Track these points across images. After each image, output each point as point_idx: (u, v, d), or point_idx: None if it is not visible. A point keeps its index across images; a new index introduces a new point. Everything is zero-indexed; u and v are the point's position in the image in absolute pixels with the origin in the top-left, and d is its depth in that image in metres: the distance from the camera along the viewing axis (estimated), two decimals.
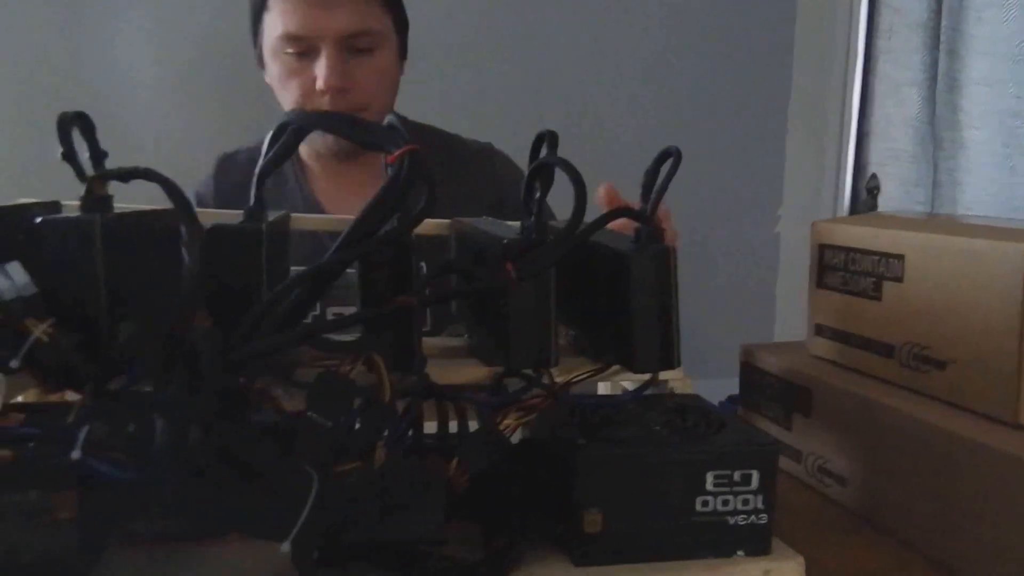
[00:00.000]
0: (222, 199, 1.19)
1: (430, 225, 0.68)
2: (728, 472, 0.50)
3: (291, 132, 0.49)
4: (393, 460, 0.49)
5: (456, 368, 0.62)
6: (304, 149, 1.19)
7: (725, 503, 0.51)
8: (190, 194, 1.09)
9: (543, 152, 0.56)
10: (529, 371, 0.59)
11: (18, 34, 1.67)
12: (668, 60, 2.00)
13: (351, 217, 0.71)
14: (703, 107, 2.02)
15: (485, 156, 1.26)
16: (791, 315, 2.07)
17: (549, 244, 0.52)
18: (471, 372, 0.63)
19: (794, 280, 2.11)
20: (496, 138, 1.29)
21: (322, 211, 1.15)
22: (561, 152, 0.53)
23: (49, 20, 1.69)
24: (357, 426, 0.50)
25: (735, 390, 0.86)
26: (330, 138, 1.11)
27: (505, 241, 0.53)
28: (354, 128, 0.48)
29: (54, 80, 1.68)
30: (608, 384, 0.68)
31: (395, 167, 0.45)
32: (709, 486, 0.51)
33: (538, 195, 0.55)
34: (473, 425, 0.54)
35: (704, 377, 0.74)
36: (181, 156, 1.25)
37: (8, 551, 0.45)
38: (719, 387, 0.95)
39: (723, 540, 0.51)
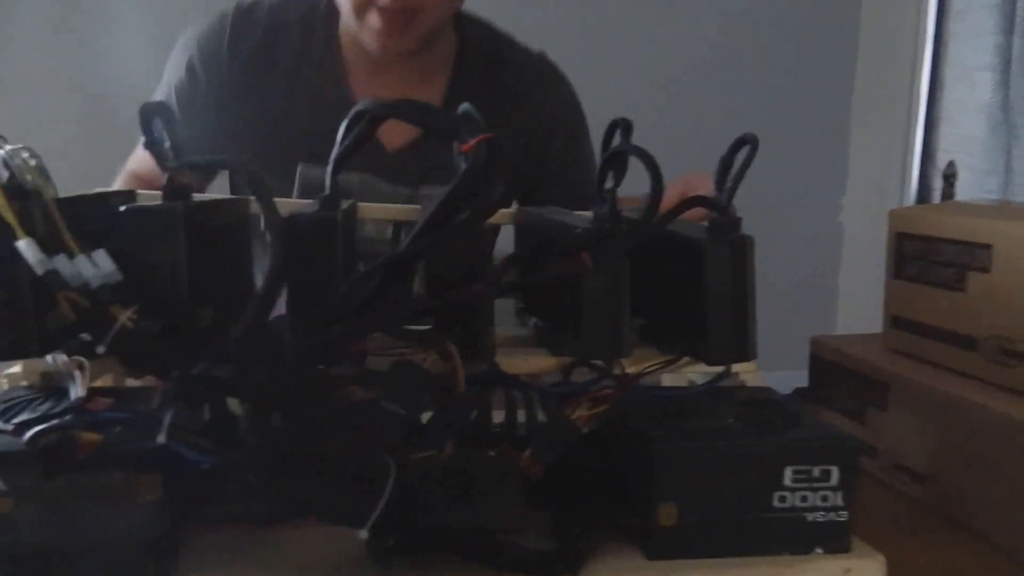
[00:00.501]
0: (238, 62, 1.04)
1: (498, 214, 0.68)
2: (807, 468, 0.49)
3: (367, 121, 0.49)
4: (468, 449, 0.49)
5: (523, 357, 0.62)
6: (348, 43, 1.05)
7: (803, 499, 0.50)
8: (181, 49, 1.05)
9: (615, 140, 0.55)
10: (599, 362, 0.58)
11: (17, 34, 1.69)
12: (731, 45, 1.96)
13: (417, 207, 0.72)
14: (765, 92, 1.98)
15: (540, 75, 1.12)
16: (854, 306, 2.03)
17: (625, 233, 0.51)
18: (539, 362, 0.62)
19: (857, 270, 2.06)
20: None
21: None
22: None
23: (49, 17, 1.69)
24: (430, 415, 0.50)
25: (797, 382, 0.85)
26: (378, 39, 0.98)
27: (578, 230, 0.53)
28: (428, 116, 0.48)
29: (54, 79, 1.69)
30: (669, 376, 0.67)
31: (471, 156, 0.44)
32: (787, 481, 0.50)
33: (611, 184, 0.54)
34: (538, 415, 0.54)
35: (763, 369, 0.73)
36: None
37: (94, 532, 0.46)
38: (780, 380, 0.93)
39: (801, 537, 0.50)
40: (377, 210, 0.74)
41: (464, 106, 0.47)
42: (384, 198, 0.95)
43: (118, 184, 0.99)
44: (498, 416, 0.56)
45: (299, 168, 0.93)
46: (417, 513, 0.46)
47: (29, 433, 0.43)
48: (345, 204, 0.58)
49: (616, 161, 0.53)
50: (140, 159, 1.04)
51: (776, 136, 1.95)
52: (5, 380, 0.60)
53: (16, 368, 0.59)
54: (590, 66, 1.88)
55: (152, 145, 0.50)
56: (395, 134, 0.97)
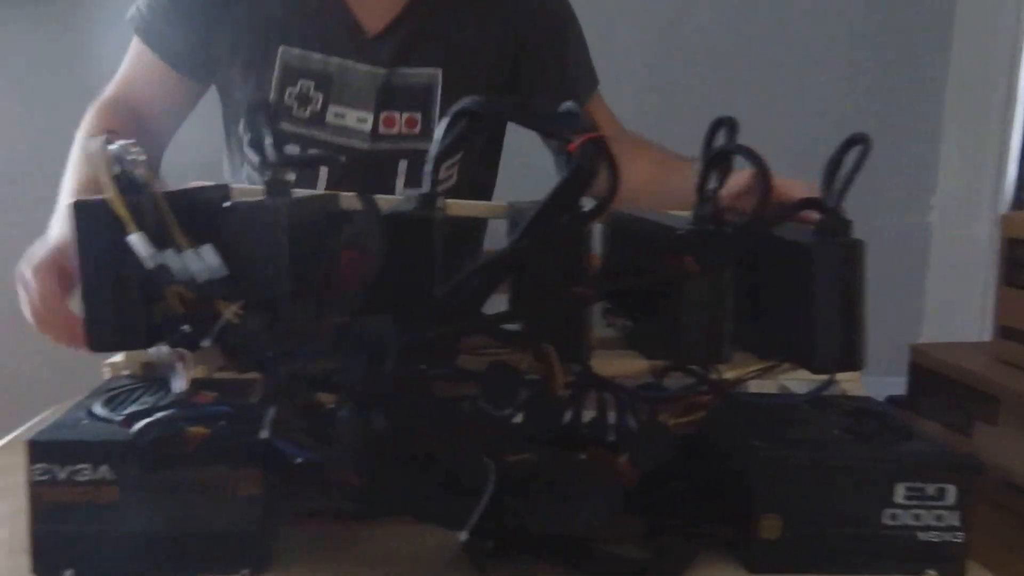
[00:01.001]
0: None
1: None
2: (921, 485, 0.47)
3: (468, 120, 0.49)
4: (563, 453, 0.48)
5: (613, 359, 0.61)
6: None
7: (916, 517, 0.47)
8: None
9: (718, 139, 0.54)
10: (694, 366, 0.57)
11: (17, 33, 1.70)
12: (819, 37, 1.90)
13: (503, 205, 0.71)
14: (853, 86, 1.92)
15: None
16: (943, 310, 1.95)
17: (731, 235, 0.50)
18: (629, 364, 0.61)
19: (946, 273, 1.98)
20: (648, 128, 1.18)
21: (351, 16, 0.97)
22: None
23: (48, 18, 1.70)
24: (524, 416, 0.49)
25: (882, 389, 0.81)
26: None
27: (679, 231, 0.51)
28: (531, 115, 0.47)
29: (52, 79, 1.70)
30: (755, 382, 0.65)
31: (578, 155, 0.43)
32: (899, 498, 0.47)
33: (714, 184, 0.52)
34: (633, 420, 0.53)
35: None
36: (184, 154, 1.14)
37: (195, 523, 0.47)
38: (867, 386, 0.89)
39: (912, 556, 0.48)
40: (466, 207, 0.73)
41: (568, 104, 0.46)
42: (362, 80, 0.96)
43: (94, 112, 0.95)
44: (586, 418, 0.55)
45: (280, 51, 0.95)
46: (514, 517, 0.46)
47: (138, 425, 0.44)
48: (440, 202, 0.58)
49: (720, 160, 0.51)
50: (123, 80, 1.00)
51: (863, 130, 1.87)
52: (108, 369, 0.61)
53: (119, 357, 0.61)
54: (685, 63, 1.85)
55: (255, 143, 0.51)
56: (376, 17, 0.96)
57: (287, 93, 0.97)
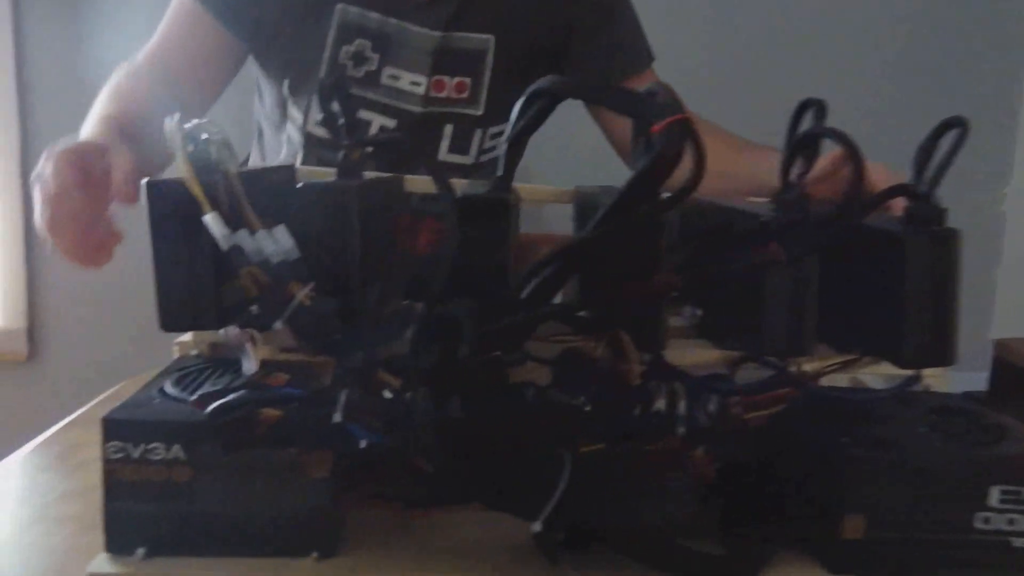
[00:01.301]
0: None
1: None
2: (1018, 488, 0.45)
3: (546, 100, 0.47)
4: (638, 445, 0.47)
5: (682, 349, 0.59)
6: None
7: (1011, 522, 0.45)
8: None
9: (804, 122, 0.51)
10: (772, 359, 0.55)
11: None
12: (891, 26, 1.84)
13: (569, 191, 0.69)
14: (924, 70, 1.85)
15: None
16: (1015, 303, 1.88)
17: (818, 222, 0.48)
18: (701, 354, 0.59)
19: (1019, 265, 1.91)
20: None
21: None
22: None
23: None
24: (597, 406, 0.48)
25: (955, 386, 0.78)
26: None
27: (763, 218, 0.49)
28: (613, 96, 0.45)
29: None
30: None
31: (662, 138, 0.42)
32: (993, 501, 0.45)
33: (800, 169, 0.50)
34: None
35: None
36: None
37: (266, 505, 0.47)
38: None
39: (1006, 564, 0.45)
40: (534, 192, 0.72)
41: (653, 84, 0.44)
42: (417, 43, 0.95)
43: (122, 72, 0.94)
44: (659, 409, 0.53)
45: (337, 8, 0.94)
46: (587, 509, 0.45)
47: (212, 407, 0.44)
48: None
49: (807, 144, 0.49)
50: (160, 40, 0.97)
51: (934, 118, 1.81)
52: (176, 348, 0.61)
53: (187, 337, 0.61)
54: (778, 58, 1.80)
55: (327, 122, 0.50)
56: None
57: (342, 51, 0.95)
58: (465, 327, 0.41)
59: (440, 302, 0.42)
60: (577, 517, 0.45)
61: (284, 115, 1.01)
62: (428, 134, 0.99)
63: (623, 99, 0.45)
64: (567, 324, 0.47)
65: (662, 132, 0.42)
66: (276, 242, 0.46)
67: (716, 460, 0.47)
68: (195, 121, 0.47)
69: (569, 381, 0.48)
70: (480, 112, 1.01)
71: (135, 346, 1.34)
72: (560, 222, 0.68)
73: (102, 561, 0.46)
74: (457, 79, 0.98)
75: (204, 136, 0.47)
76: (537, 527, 0.43)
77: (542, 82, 0.48)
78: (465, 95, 0.99)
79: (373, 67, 0.96)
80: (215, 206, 0.46)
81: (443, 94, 0.98)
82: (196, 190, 0.45)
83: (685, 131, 0.42)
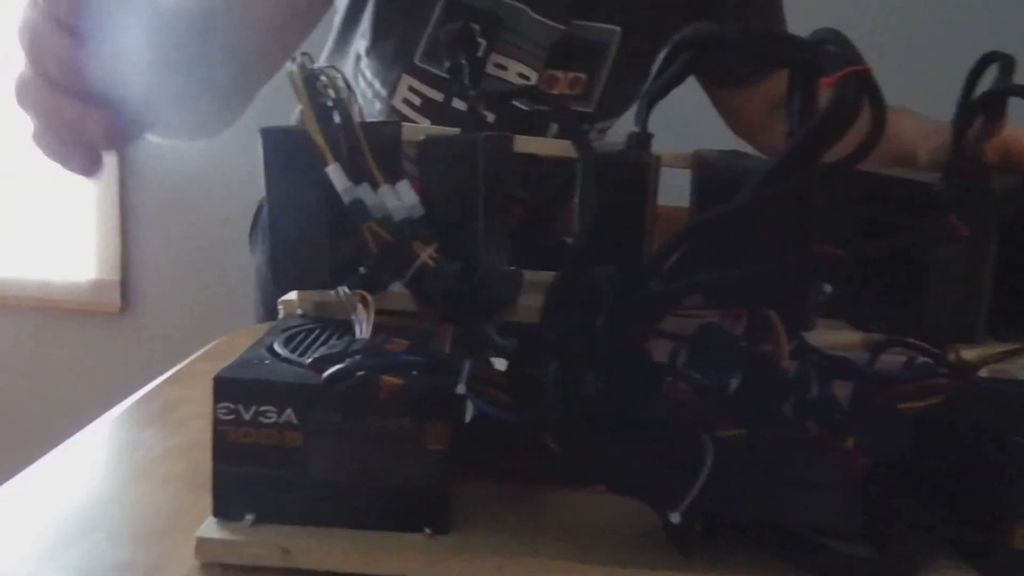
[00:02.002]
0: None
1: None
2: None
3: (692, 52, 0.43)
4: (785, 432, 0.43)
5: (819, 331, 0.54)
6: None
7: None
8: None
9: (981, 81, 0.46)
10: (922, 344, 0.50)
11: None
12: None
13: (687, 153, 0.64)
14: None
15: None
16: None
17: (1001, 195, 0.42)
18: (839, 336, 0.55)
19: None
20: None
21: None
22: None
23: None
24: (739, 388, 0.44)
25: None
26: None
27: (935, 187, 0.44)
28: (772, 45, 0.41)
29: None
30: None
31: (835, 92, 0.37)
32: None
33: (976, 134, 0.45)
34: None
35: None
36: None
37: (380, 475, 0.44)
38: None
39: None
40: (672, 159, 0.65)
41: (825, 29, 0.39)
42: (534, 31, 0.83)
43: None
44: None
45: None
46: (727, 501, 0.41)
47: (329, 371, 0.41)
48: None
49: (989, 105, 0.44)
50: None
51: None
52: (281, 307, 0.60)
53: (292, 296, 0.59)
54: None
55: (454, 71, 0.46)
56: None
57: (459, 51, 0.86)
58: (608, 296, 0.37)
59: (581, 268, 0.38)
60: (716, 508, 0.41)
61: (356, 69, 0.91)
62: (530, 132, 0.89)
63: (786, 47, 0.40)
64: (711, 298, 0.42)
65: (837, 84, 0.37)
66: (399, 198, 0.43)
67: (867, 453, 0.43)
68: (317, 65, 0.44)
69: (708, 360, 0.44)
70: (591, 109, 0.91)
71: (227, 300, 1.35)
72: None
73: (211, 526, 0.44)
74: (572, 74, 0.88)
75: (324, 81, 0.44)
76: (676, 517, 0.39)
77: (688, 31, 0.44)
78: (578, 91, 0.89)
79: (478, 53, 0.85)
80: (337, 157, 0.43)
81: (555, 90, 0.87)
82: (318, 139, 0.42)
83: (864, 84, 0.37)
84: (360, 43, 0.90)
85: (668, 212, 0.52)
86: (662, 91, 0.44)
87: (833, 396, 0.46)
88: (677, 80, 0.44)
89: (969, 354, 0.49)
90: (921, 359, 0.49)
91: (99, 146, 0.44)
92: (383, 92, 0.89)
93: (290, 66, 0.43)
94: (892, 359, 0.52)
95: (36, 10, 0.42)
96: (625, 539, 0.44)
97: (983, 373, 0.62)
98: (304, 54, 0.45)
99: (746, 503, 0.41)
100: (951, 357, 0.48)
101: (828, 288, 0.59)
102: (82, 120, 0.43)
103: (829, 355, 0.48)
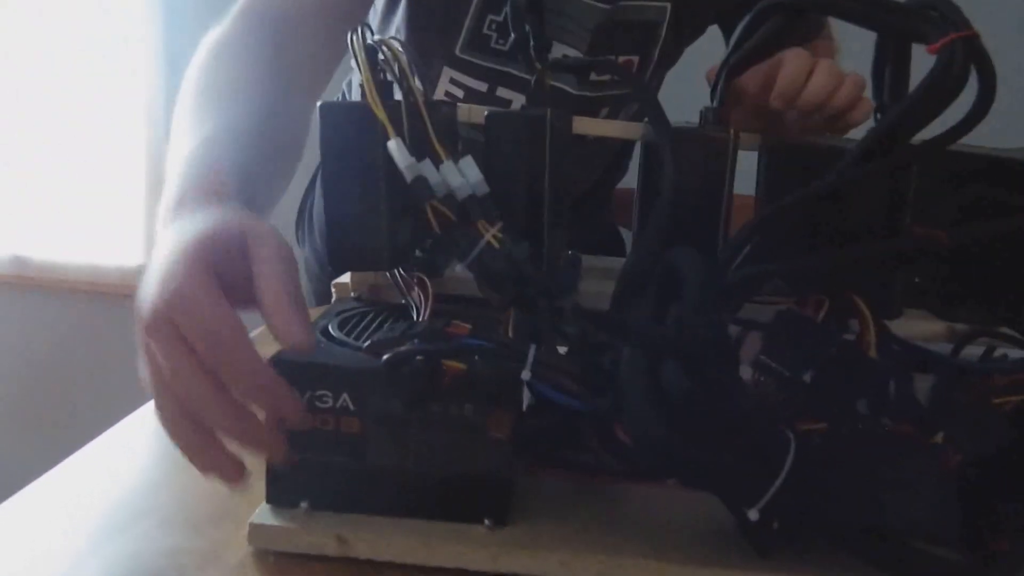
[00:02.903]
0: None
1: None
2: None
3: (780, 17, 0.40)
4: (870, 426, 0.40)
5: (900, 320, 0.51)
6: None
7: None
8: None
9: None
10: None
11: None
12: None
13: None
14: None
15: None
16: None
17: None
18: (922, 326, 0.52)
19: None
20: None
21: None
22: None
23: None
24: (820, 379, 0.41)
25: None
26: None
27: None
28: (872, 8, 0.38)
29: None
30: None
31: (943, 57, 0.34)
32: None
33: None
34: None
35: None
36: None
37: (439, 464, 0.42)
38: None
39: None
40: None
41: None
42: (579, 13, 0.77)
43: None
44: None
45: None
46: (807, 499, 0.38)
47: (388, 355, 0.39)
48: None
49: None
50: None
51: None
52: (335, 290, 0.58)
53: (345, 278, 0.57)
54: None
55: (520, 45, 0.44)
56: None
57: (487, 22, 0.79)
58: (689, 281, 0.34)
59: (658, 251, 0.36)
60: (796, 507, 0.38)
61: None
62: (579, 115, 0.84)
63: (882, 10, 0.37)
64: (793, 284, 0.40)
65: (943, 51, 0.34)
66: (463, 175, 0.41)
67: (963, 451, 0.40)
68: (378, 37, 0.42)
69: (787, 348, 0.41)
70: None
71: None
72: None
73: (265, 512, 0.43)
74: (623, 58, 0.82)
75: (387, 53, 0.42)
76: (754, 514, 0.37)
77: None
78: None
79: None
80: (399, 132, 0.41)
81: (605, 76, 0.82)
82: (379, 113, 0.40)
83: (972, 51, 0.34)
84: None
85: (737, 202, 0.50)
86: (745, 61, 0.42)
87: (921, 389, 0.44)
88: (762, 49, 0.41)
89: None
90: (1013, 351, 0.46)
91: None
92: (420, 88, 0.84)
93: (351, 37, 0.41)
94: (975, 351, 0.49)
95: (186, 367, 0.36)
96: (699, 537, 0.42)
97: None
98: (365, 25, 0.43)
99: (829, 502, 0.39)
100: None
101: (909, 276, 0.56)
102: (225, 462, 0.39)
103: (916, 346, 0.45)
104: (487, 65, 0.80)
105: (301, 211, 1.07)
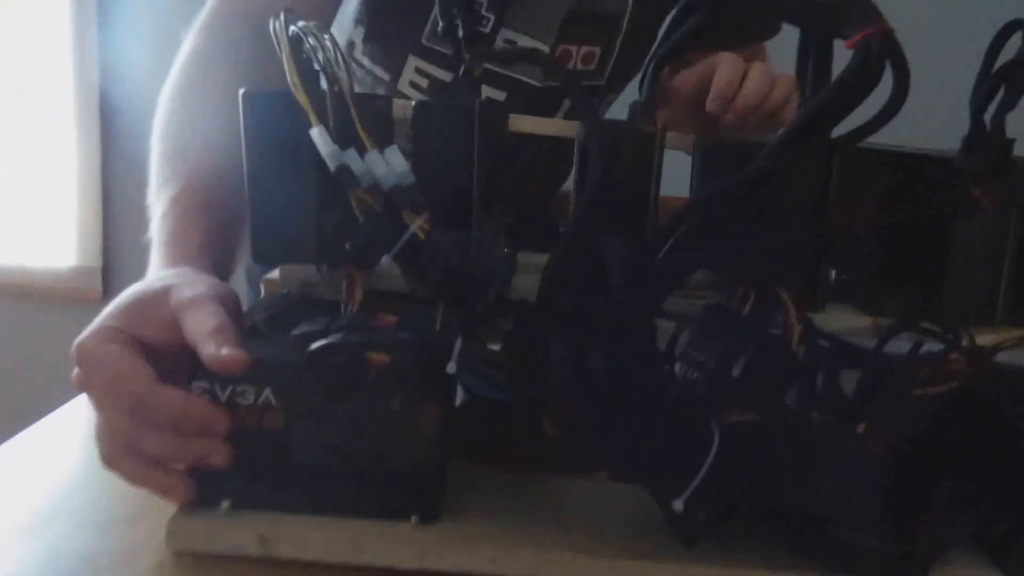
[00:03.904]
0: None
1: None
2: None
3: (703, 11, 0.40)
4: (795, 416, 0.40)
5: (824, 314, 0.52)
6: None
7: None
8: None
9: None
10: (932, 327, 0.48)
11: None
12: None
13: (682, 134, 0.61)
14: None
15: None
16: None
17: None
18: (845, 319, 0.52)
19: None
20: None
21: None
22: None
23: None
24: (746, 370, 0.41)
25: None
26: None
27: (956, 160, 0.42)
28: (793, 2, 0.38)
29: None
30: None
31: (858, 52, 0.34)
32: None
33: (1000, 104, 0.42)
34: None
35: None
36: None
37: (364, 459, 0.42)
38: None
39: None
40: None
41: None
42: (545, 4, 0.78)
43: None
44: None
45: None
46: (732, 489, 0.39)
47: (312, 348, 0.38)
48: None
49: (1012, 75, 0.41)
50: None
51: None
52: (263, 286, 0.57)
53: (275, 274, 0.56)
54: None
55: (448, 32, 0.44)
56: None
57: (453, 11, 0.82)
58: (613, 266, 0.34)
59: (584, 239, 0.36)
60: (721, 497, 0.39)
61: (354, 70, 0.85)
62: (541, 110, 0.83)
63: (802, 4, 0.38)
64: (719, 275, 0.40)
65: (859, 46, 0.35)
66: (388, 164, 0.40)
67: (885, 437, 0.41)
68: (302, 23, 0.41)
69: (713, 341, 0.42)
70: (603, 82, 0.87)
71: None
72: None
73: (184, 512, 0.42)
74: (585, 48, 0.83)
75: (312, 42, 0.41)
76: (679, 505, 0.37)
77: None
78: (592, 66, 0.85)
79: (486, 28, 0.79)
80: (323, 120, 0.40)
81: (568, 65, 0.83)
82: (303, 100, 0.40)
83: (887, 46, 0.34)
84: (355, 31, 0.85)
85: (669, 202, 0.50)
86: (671, 54, 0.42)
87: (845, 380, 0.44)
88: (687, 42, 0.41)
89: (984, 339, 0.47)
90: (933, 344, 0.47)
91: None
92: (386, 77, 0.84)
93: (273, 23, 0.40)
94: (900, 345, 0.50)
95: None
96: (628, 529, 0.42)
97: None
98: (288, 11, 0.42)
99: (755, 491, 0.39)
100: (965, 342, 0.46)
101: (834, 271, 0.57)
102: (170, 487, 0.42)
103: (839, 339, 0.45)
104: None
105: None
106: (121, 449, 0.41)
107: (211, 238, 0.55)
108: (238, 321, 0.44)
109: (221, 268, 0.55)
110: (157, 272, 0.52)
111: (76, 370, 0.42)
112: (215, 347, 0.39)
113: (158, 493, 0.42)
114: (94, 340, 0.42)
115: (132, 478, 0.42)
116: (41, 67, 1.75)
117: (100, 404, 0.42)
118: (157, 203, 0.58)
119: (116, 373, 0.41)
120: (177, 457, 0.41)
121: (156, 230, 0.57)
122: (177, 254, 0.54)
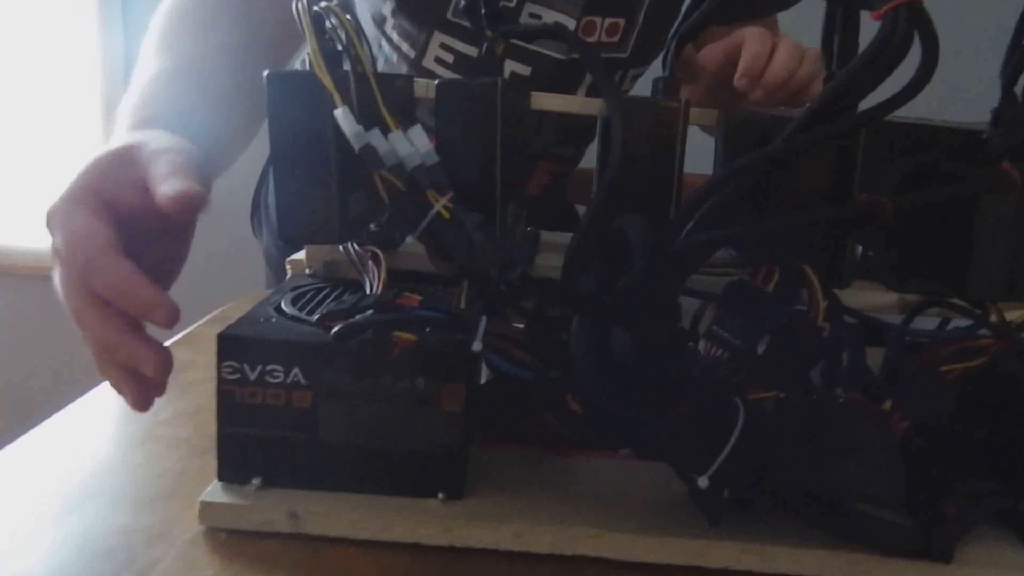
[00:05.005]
0: None
1: None
2: None
3: None
4: (820, 394, 0.40)
5: (850, 290, 0.52)
6: None
7: None
8: None
9: None
10: (963, 304, 0.47)
11: None
12: None
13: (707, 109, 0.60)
14: None
15: None
16: None
17: None
18: (871, 297, 0.52)
19: None
20: None
21: None
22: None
23: None
24: (770, 348, 0.41)
25: None
26: None
27: (985, 135, 0.41)
28: None
29: None
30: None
31: (886, 24, 0.34)
32: None
33: None
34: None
35: None
36: None
37: (391, 438, 0.42)
38: None
39: None
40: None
41: None
42: None
43: None
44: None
45: None
46: (757, 466, 0.39)
47: (338, 327, 0.39)
48: None
49: None
50: None
51: None
52: (289, 266, 0.57)
53: (300, 255, 0.56)
54: None
55: (470, 9, 0.44)
56: None
57: None
58: (637, 247, 0.34)
59: (607, 217, 0.35)
60: (746, 474, 0.39)
61: (379, 47, 0.86)
62: (565, 82, 0.83)
63: None
64: (743, 253, 0.40)
65: (887, 18, 0.34)
66: (412, 144, 0.41)
67: (909, 417, 0.40)
68: (324, 3, 0.41)
69: (734, 319, 0.41)
70: (626, 55, 0.86)
71: (237, 265, 1.33)
72: None
73: (216, 490, 0.43)
74: (610, 20, 0.82)
75: (333, 20, 0.41)
76: (704, 482, 0.37)
77: None
78: (616, 38, 0.84)
79: (511, 2, 0.80)
80: (346, 100, 0.40)
81: (592, 38, 0.82)
82: (326, 81, 0.40)
83: (916, 16, 0.34)
84: (385, 4, 0.86)
85: (692, 181, 0.50)
86: (695, 29, 0.41)
87: (870, 358, 0.44)
88: (711, 15, 0.41)
89: (1013, 315, 0.46)
90: (961, 320, 0.46)
91: (151, 386, 0.43)
92: (411, 54, 0.84)
93: (296, 3, 0.40)
94: (926, 321, 0.50)
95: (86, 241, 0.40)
96: (651, 506, 0.42)
97: None
98: None
99: (779, 468, 0.39)
100: (993, 318, 0.46)
101: (859, 248, 0.57)
102: (136, 359, 0.41)
103: (865, 316, 0.45)
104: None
105: (256, 203, 1.06)
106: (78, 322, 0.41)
107: (190, 112, 0.54)
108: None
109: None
110: (125, 134, 0.50)
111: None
112: (167, 187, 0.38)
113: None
114: (62, 203, 0.41)
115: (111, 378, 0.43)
116: (67, 66, 1.76)
117: (60, 269, 0.41)
118: (140, 77, 0.59)
119: (72, 233, 0.40)
120: (115, 348, 0.40)
121: (130, 96, 0.56)
122: (147, 116, 0.53)
